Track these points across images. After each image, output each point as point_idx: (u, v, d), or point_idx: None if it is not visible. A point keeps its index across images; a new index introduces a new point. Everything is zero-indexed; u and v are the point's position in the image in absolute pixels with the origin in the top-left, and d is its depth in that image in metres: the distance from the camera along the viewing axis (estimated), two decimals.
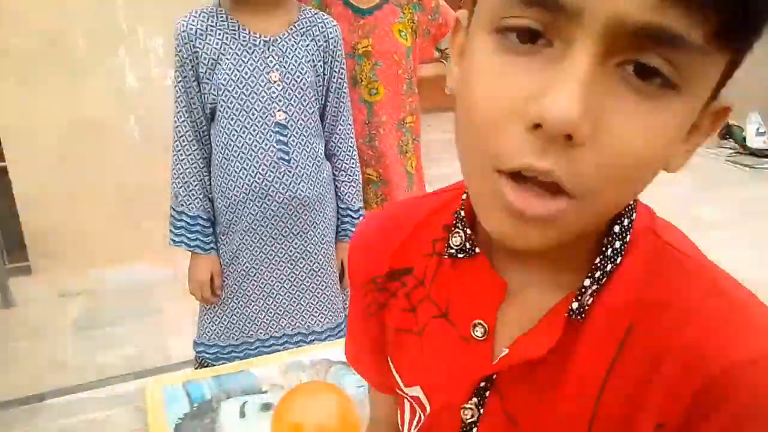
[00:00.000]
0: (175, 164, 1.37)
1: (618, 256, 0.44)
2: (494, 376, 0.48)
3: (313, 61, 1.37)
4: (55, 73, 2.55)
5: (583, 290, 0.44)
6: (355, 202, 1.50)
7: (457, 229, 0.49)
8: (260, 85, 1.32)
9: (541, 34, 0.35)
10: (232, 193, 1.36)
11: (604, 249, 0.44)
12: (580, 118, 0.32)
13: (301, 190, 1.37)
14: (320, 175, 1.41)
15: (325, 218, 1.45)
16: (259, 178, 1.34)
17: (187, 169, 1.36)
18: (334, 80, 1.41)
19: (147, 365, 2.25)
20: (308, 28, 1.37)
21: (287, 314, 1.45)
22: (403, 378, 0.56)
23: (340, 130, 1.45)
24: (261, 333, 1.45)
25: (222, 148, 1.35)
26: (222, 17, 1.32)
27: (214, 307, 1.45)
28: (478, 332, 0.48)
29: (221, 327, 1.45)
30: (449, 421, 0.51)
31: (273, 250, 1.40)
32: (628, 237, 0.44)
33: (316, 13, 1.40)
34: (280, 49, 1.33)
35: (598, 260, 0.44)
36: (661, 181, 0.41)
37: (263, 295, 1.43)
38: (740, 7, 0.32)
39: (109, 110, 2.64)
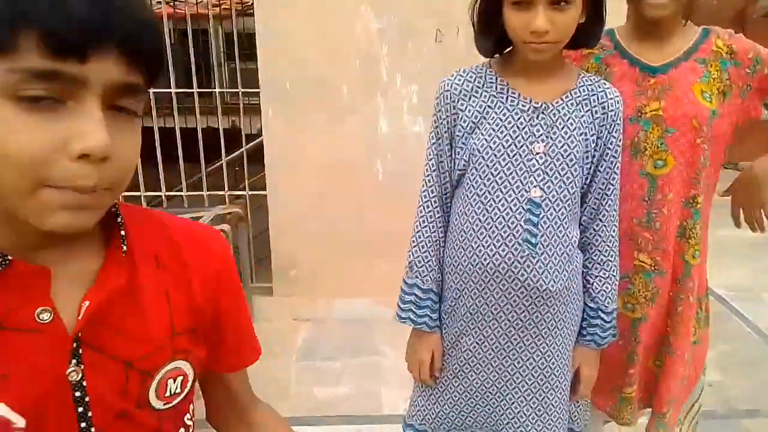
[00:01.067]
0: (416, 232, 1.28)
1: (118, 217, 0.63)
2: (79, 336, 0.58)
3: (586, 134, 1.20)
4: (320, 114, 2.76)
5: (119, 240, 0.62)
6: (608, 303, 1.27)
7: None
8: (520, 156, 1.18)
9: (54, 98, 0.50)
10: (464, 269, 1.23)
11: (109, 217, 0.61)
12: (108, 144, 0.51)
13: (543, 281, 1.19)
14: (569, 266, 1.22)
15: (567, 315, 1.25)
16: (496, 259, 1.19)
17: (427, 238, 1.26)
18: (606, 158, 1.22)
19: (358, 409, 2.26)
20: (586, 97, 1.21)
21: (506, 413, 1.28)
22: None
23: (603, 216, 1.25)
24: (476, 427, 1.30)
25: (462, 218, 1.23)
26: (491, 78, 1.21)
27: (430, 389, 1.34)
28: (45, 316, 0.57)
29: (433, 414, 1.34)
30: (57, 408, 0.58)
31: (500, 340, 1.24)
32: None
33: (597, 81, 1.24)
34: (551, 117, 1.18)
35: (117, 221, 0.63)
36: None
37: (482, 389, 1.27)
38: (154, 69, 0.55)
39: (361, 152, 2.77)
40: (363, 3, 2.61)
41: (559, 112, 1.18)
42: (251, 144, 3.28)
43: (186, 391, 0.68)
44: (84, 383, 0.59)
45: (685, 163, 1.33)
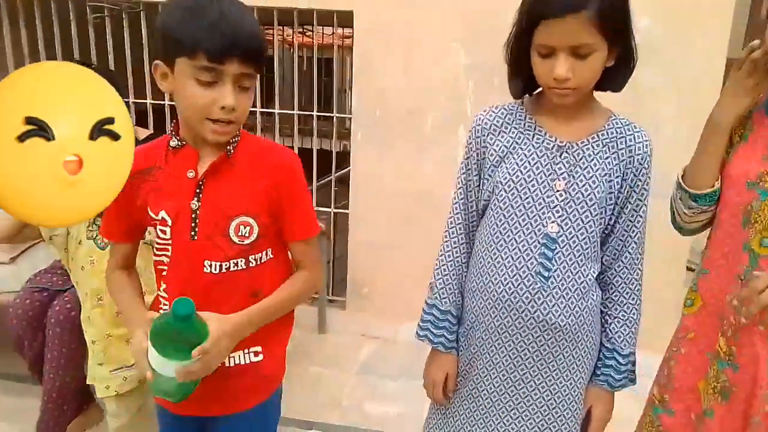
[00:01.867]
0: (440, 256, 1.36)
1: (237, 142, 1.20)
2: (201, 184, 1.17)
3: (610, 175, 1.22)
4: (405, 142, 2.89)
5: (229, 150, 1.18)
6: (625, 345, 1.28)
7: (173, 139, 1.19)
8: (540, 191, 1.22)
9: (210, 81, 1.08)
10: (480, 295, 1.28)
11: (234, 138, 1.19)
12: (234, 103, 1.10)
13: (553, 315, 1.22)
14: (583, 303, 1.23)
15: (579, 352, 1.26)
16: (509, 288, 1.23)
17: (450, 262, 1.34)
18: (632, 201, 1.23)
19: (403, 429, 2.33)
20: (614, 138, 1.23)
21: None
22: (153, 210, 1.18)
23: (625, 258, 1.26)
24: None
25: (482, 246, 1.29)
26: (521, 115, 1.26)
27: (444, 409, 1.40)
28: (190, 174, 1.17)
29: (446, 430, 1.40)
30: (184, 221, 1.17)
31: (508, 368, 1.28)
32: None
33: (627, 124, 1.25)
34: (574, 156, 1.22)
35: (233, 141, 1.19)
36: None
37: (492, 412, 1.31)
38: (261, 63, 1.14)
39: (441, 183, 2.86)
40: (454, 40, 2.72)
41: (584, 152, 1.22)
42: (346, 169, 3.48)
43: (252, 238, 1.19)
44: (198, 211, 1.17)
45: None
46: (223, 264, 1.18)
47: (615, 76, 1.19)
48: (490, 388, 1.30)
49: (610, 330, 1.29)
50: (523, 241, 1.23)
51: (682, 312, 1.38)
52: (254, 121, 3.17)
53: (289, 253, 1.28)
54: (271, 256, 1.24)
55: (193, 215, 1.16)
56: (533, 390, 1.28)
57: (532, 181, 1.22)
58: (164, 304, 1.23)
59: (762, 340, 1.20)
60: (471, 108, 2.77)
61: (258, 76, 1.14)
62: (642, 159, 1.22)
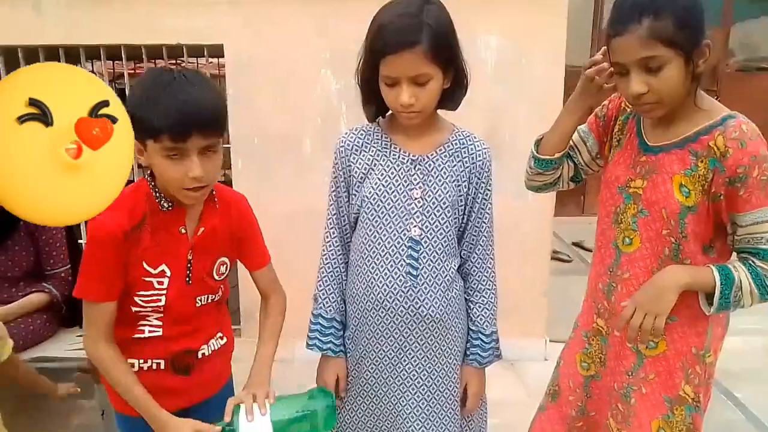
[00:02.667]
0: (320, 268, 1.47)
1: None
2: (192, 244, 1.33)
3: (458, 181, 1.39)
4: (285, 166, 2.97)
5: (215, 205, 1.36)
6: (486, 326, 1.45)
7: (164, 202, 1.29)
8: (401, 200, 1.37)
9: (178, 155, 1.20)
10: (360, 300, 1.41)
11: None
12: (201, 171, 1.21)
13: (424, 307, 1.37)
14: (449, 294, 1.40)
15: (452, 338, 1.42)
16: (384, 289, 1.37)
17: (329, 273, 1.45)
18: (478, 201, 1.41)
19: None
20: (457, 149, 1.40)
21: (402, 430, 1.43)
22: (151, 266, 1.29)
23: (479, 251, 1.44)
24: None
25: (357, 256, 1.42)
26: (377, 135, 1.41)
27: (338, 410, 1.50)
28: (183, 230, 1.32)
29: (343, 427, 1.49)
30: (181, 270, 1.32)
31: (393, 363, 1.41)
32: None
33: (467, 136, 1.43)
34: (426, 167, 1.37)
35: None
36: None
37: (381, 406, 1.44)
38: (222, 131, 1.29)
39: (323, 199, 2.95)
40: (323, 67, 2.86)
41: (434, 162, 1.37)
42: None
43: (227, 272, 1.41)
44: (191, 260, 1.35)
45: (650, 249, 1.32)
46: (210, 296, 1.39)
47: (452, 96, 1.36)
48: (380, 381, 1.43)
49: (472, 314, 1.45)
50: (391, 245, 1.37)
51: (586, 294, 1.57)
52: None
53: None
54: (229, 267, 1.47)
55: (188, 264, 1.33)
56: (416, 378, 1.41)
57: (393, 192, 1.36)
58: (152, 331, 1.35)
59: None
60: (345, 128, 2.90)
61: (222, 138, 1.28)
62: (482, 164, 1.40)
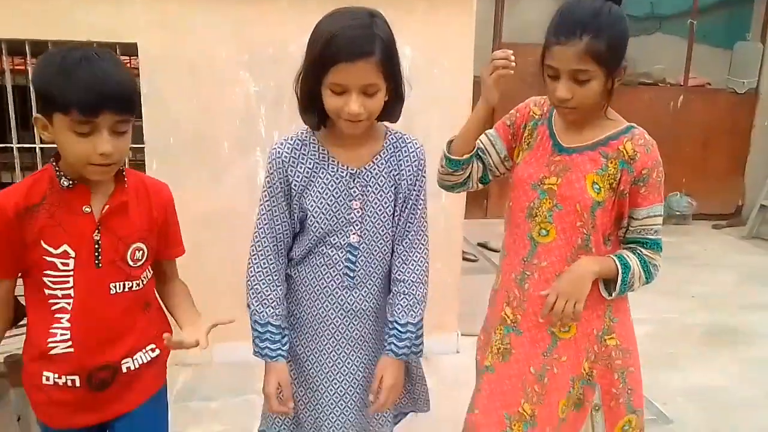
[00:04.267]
0: (250, 276, 1.45)
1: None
2: (99, 221, 1.28)
3: (395, 187, 1.44)
4: (201, 168, 2.94)
5: (125, 184, 1.33)
6: (402, 316, 1.44)
7: (64, 180, 1.26)
8: (342, 211, 1.41)
9: (88, 131, 1.18)
10: (305, 301, 1.46)
11: (118, 173, 1.32)
12: (110, 148, 1.20)
13: (358, 303, 1.45)
14: (383, 292, 1.48)
15: (380, 332, 1.50)
16: (327, 291, 1.44)
17: (261, 280, 1.44)
18: (411, 197, 1.45)
19: None
20: (392, 154, 1.44)
21: (340, 420, 1.50)
22: (51, 245, 1.26)
23: (406, 243, 1.46)
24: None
25: (299, 258, 1.46)
26: (314, 146, 1.41)
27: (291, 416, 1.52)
28: (87, 209, 1.28)
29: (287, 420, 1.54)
30: (88, 252, 1.28)
31: (332, 359, 1.48)
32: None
33: (400, 138, 1.46)
34: (364, 179, 1.41)
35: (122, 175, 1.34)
36: None
37: (322, 402, 1.50)
38: (133, 109, 1.25)
39: (242, 202, 2.96)
40: (241, 69, 2.88)
41: (371, 173, 1.42)
42: None
43: (144, 260, 1.37)
44: (100, 241, 1.29)
45: (565, 239, 1.47)
46: (126, 283, 1.35)
47: (392, 109, 1.39)
48: (321, 376, 1.49)
49: (391, 304, 1.46)
50: (331, 249, 1.42)
51: (493, 287, 1.66)
52: (35, 160, 2.98)
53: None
54: (150, 272, 1.43)
55: (96, 245, 1.29)
56: (356, 372, 1.50)
57: (333, 204, 1.40)
58: (63, 335, 1.30)
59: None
60: (264, 130, 2.94)
61: (133, 118, 1.26)
62: (417, 164, 1.45)
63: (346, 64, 1.25)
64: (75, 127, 1.17)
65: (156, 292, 1.48)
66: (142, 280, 1.38)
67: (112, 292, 1.32)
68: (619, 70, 1.40)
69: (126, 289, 1.34)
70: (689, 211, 6.51)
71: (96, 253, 1.29)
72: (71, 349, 1.29)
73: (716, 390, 3.05)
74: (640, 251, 1.49)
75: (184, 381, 2.89)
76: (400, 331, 1.45)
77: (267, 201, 1.43)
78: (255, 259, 1.45)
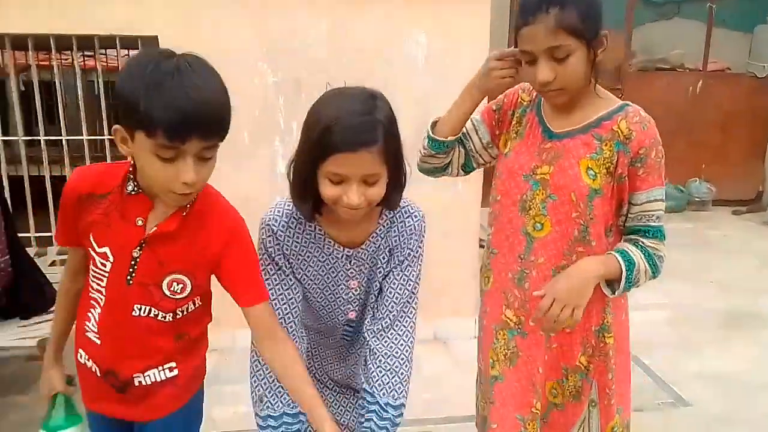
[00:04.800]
0: (252, 366, 1.36)
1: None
2: (145, 240, 1.18)
3: (391, 260, 1.38)
4: (224, 156, 2.99)
5: (184, 213, 1.19)
6: (383, 395, 1.34)
7: (130, 184, 1.17)
8: (339, 291, 1.40)
9: (172, 157, 1.07)
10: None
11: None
12: (194, 178, 1.08)
13: (351, 378, 1.56)
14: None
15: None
16: (324, 362, 1.56)
17: (262, 367, 1.34)
18: (403, 265, 1.38)
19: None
20: (389, 229, 1.37)
21: None
22: (96, 242, 1.21)
23: (393, 316, 1.37)
24: None
25: (293, 328, 1.38)
26: (310, 225, 1.34)
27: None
28: (139, 222, 1.18)
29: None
30: (124, 265, 1.20)
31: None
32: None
33: (399, 211, 1.37)
34: (360, 259, 1.37)
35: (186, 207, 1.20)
36: None
37: None
38: (222, 136, 1.14)
39: (263, 191, 3.02)
40: (260, 60, 2.92)
41: (368, 251, 1.37)
42: None
43: (185, 294, 1.23)
44: (138, 259, 1.20)
45: (561, 232, 1.35)
46: (152, 309, 1.23)
47: (392, 196, 1.29)
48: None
49: (370, 378, 1.36)
50: (330, 323, 1.47)
51: (481, 288, 1.56)
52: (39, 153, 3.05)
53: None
54: (200, 303, 1.29)
55: (133, 261, 1.20)
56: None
57: (330, 282, 1.39)
58: (93, 326, 1.28)
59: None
60: (283, 121, 2.99)
61: (222, 140, 1.13)
62: (417, 238, 1.37)
63: (347, 155, 1.17)
64: (158, 150, 1.05)
65: (252, 343, 1.32)
66: (177, 314, 1.25)
67: (134, 313, 1.23)
68: (598, 40, 1.29)
69: (150, 315, 1.23)
70: (709, 197, 6.45)
71: (130, 269, 1.20)
72: (98, 341, 1.28)
73: (735, 374, 3.05)
74: (643, 243, 1.37)
75: (209, 366, 2.96)
76: (382, 409, 1.35)
77: (274, 275, 1.34)
78: (253, 353, 1.38)
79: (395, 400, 1.35)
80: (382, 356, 1.35)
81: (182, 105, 1.02)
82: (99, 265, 1.22)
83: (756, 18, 6.74)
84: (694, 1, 6.80)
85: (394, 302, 1.37)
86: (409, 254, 1.37)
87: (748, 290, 4.20)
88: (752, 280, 4.43)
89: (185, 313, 1.26)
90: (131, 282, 1.20)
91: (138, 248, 1.19)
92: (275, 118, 2.99)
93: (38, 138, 3.07)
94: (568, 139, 1.35)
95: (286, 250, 1.33)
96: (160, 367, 1.28)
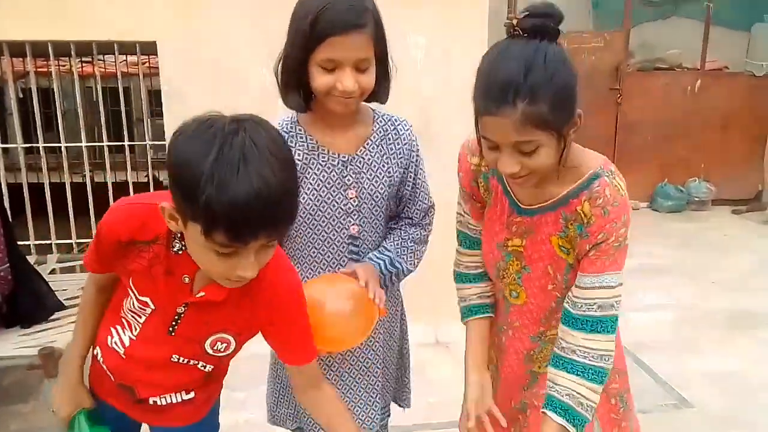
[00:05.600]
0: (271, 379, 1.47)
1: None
2: (189, 301, 1.12)
3: (390, 171, 1.41)
4: None
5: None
6: (389, 244, 1.45)
7: (176, 243, 1.08)
8: (337, 202, 1.38)
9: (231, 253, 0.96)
10: None
11: None
12: (254, 273, 1.00)
13: None
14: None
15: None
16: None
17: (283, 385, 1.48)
18: (410, 178, 1.46)
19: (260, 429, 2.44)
20: (383, 137, 1.41)
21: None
22: (137, 290, 1.15)
23: (415, 209, 1.49)
24: None
25: (298, 258, 1.42)
26: (301, 136, 1.36)
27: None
28: (186, 279, 1.11)
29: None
30: (167, 316, 1.15)
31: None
32: None
33: (389, 120, 1.43)
34: (357, 166, 1.38)
35: None
36: None
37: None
38: (286, 230, 1.07)
39: None
40: (260, 65, 2.90)
41: (364, 159, 1.39)
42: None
43: (228, 352, 1.21)
44: (182, 315, 1.14)
45: (537, 303, 1.30)
46: (191, 361, 1.21)
47: (382, 87, 1.35)
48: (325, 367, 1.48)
49: (393, 233, 1.49)
50: (332, 245, 1.41)
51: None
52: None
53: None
54: (236, 348, 1.24)
55: (176, 317, 1.15)
56: (364, 360, 1.51)
57: (327, 195, 1.38)
58: (117, 350, 1.24)
59: (521, 364, 1.37)
60: None
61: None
62: (410, 146, 1.43)
63: (340, 37, 1.21)
64: (216, 247, 0.93)
65: (297, 394, 1.29)
66: (215, 365, 1.24)
67: (172, 359, 1.20)
68: (572, 122, 1.14)
69: (190, 363, 1.21)
70: (708, 197, 6.45)
71: (173, 323, 1.15)
72: (122, 356, 1.23)
73: (737, 374, 3.04)
74: (574, 359, 1.21)
75: None
76: (386, 250, 1.46)
77: None
78: None
79: (399, 257, 1.45)
80: (404, 218, 1.49)
81: (249, 205, 0.87)
82: (137, 305, 1.16)
83: (753, 16, 6.74)
84: (691, 0, 6.81)
85: (412, 211, 1.48)
86: (410, 165, 1.44)
87: (750, 290, 4.20)
88: (753, 280, 4.43)
89: (222, 366, 1.28)
90: (173, 333, 1.16)
91: (183, 306, 1.13)
92: (274, 122, 2.96)
93: (37, 146, 3.05)
94: (538, 216, 1.25)
95: None
96: (179, 393, 1.27)
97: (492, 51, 1.14)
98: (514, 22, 1.11)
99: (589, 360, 1.20)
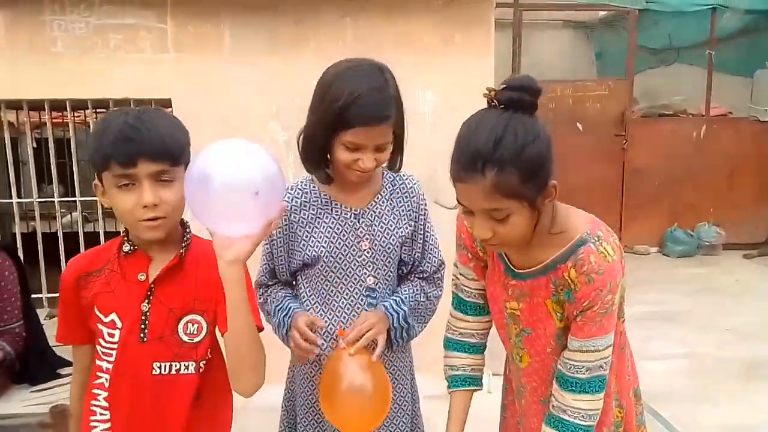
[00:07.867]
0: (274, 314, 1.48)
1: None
2: (152, 286, 1.22)
3: (400, 222, 1.49)
4: None
5: (182, 254, 1.23)
6: (404, 290, 1.50)
7: (126, 245, 1.24)
8: (352, 254, 1.44)
9: (130, 183, 1.16)
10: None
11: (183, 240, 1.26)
12: (153, 199, 1.16)
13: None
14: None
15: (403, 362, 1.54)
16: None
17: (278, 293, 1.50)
18: (419, 230, 1.52)
19: None
20: (392, 192, 1.51)
21: None
22: (102, 312, 1.23)
23: (426, 257, 1.54)
24: None
25: (318, 311, 1.47)
26: (315, 193, 1.47)
27: None
28: (141, 277, 1.23)
29: None
30: (134, 323, 1.21)
31: None
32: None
33: (395, 177, 1.52)
34: (369, 218, 1.46)
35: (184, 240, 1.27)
36: None
37: None
38: (175, 157, 1.22)
39: None
40: (271, 119, 2.98)
41: (375, 212, 1.47)
42: None
43: (201, 335, 1.25)
44: (148, 313, 1.22)
45: (540, 363, 1.30)
46: (173, 365, 1.23)
47: (395, 158, 1.48)
48: None
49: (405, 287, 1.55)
50: (350, 297, 1.46)
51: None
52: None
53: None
54: (210, 356, 1.27)
55: (143, 317, 1.23)
56: None
57: (342, 246, 1.45)
58: (102, 414, 1.26)
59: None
60: (293, 177, 2.99)
61: (179, 167, 1.19)
62: (417, 199, 1.52)
63: (366, 129, 1.32)
64: (117, 181, 1.16)
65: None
66: (199, 364, 1.24)
67: (154, 372, 1.22)
68: (546, 191, 1.15)
69: (173, 372, 1.23)
70: (718, 241, 6.42)
71: (142, 326, 1.22)
72: (108, 420, 1.25)
73: (754, 428, 2.98)
74: (564, 417, 1.24)
75: None
76: (400, 299, 1.49)
77: (267, 245, 1.47)
78: (266, 294, 1.52)
79: (409, 302, 1.49)
80: (418, 271, 1.53)
81: (125, 133, 1.15)
82: (106, 337, 1.23)
83: (755, 62, 6.84)
84: (693, 47, 6.92)
85: (425, 258, 1.53)
86: (423, 218, 1.52)
87: (765, 337, 4.13)
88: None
89: (203, 365, 1.24)
90: (145, 339, 1.22)
91: (146, 301, 1.23)
92: (286, 175, 2.99)
93: (53, 200, 3.10)
94: (532, 280, 1.26)
95: (295, 219, 1.44)
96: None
97: (470, 120, 1.19)
98: (492, 93, 1.15)
99: (579, 419, 1.24)
